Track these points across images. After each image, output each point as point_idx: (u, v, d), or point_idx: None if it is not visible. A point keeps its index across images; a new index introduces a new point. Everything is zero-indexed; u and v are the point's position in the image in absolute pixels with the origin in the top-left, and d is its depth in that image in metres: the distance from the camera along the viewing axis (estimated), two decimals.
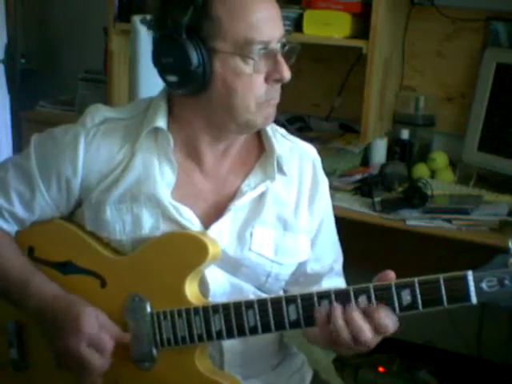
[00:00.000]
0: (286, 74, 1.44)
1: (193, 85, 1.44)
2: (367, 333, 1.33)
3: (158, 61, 1.46)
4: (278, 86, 1.47)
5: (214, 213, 1.52)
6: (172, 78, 1.45)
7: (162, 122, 1.50)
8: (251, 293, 1.54)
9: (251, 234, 1.53)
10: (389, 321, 1.33)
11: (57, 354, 1.46)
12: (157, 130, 1.50)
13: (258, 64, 1.41)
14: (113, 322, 1.47)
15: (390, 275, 1.35)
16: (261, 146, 1.58)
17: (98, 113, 1.54)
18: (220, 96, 1.44)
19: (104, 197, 1.50)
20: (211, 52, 1.41)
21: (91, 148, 1.51)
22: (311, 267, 1.64)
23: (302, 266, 1.63)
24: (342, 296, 1.35)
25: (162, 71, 1.46)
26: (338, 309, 1.34)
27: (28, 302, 1.50)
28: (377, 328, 1.34)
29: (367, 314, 1.34)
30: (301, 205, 1.59)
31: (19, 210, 1.54)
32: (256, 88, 1.43)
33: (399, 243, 2.76)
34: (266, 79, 1.44)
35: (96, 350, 1.43)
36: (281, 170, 1.55)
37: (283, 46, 1.46)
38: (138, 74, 2.67)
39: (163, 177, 1.50)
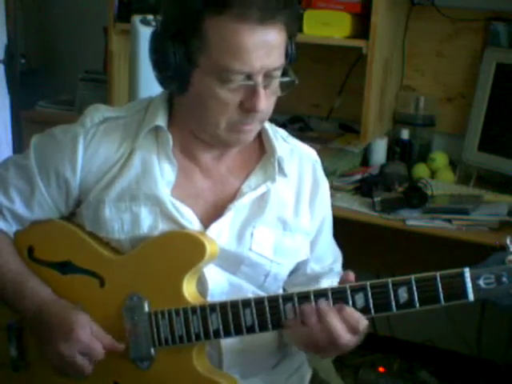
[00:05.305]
0: (259, 106, 1.39)
1: (171, 87, 1.45)
2: (340, 330, 1.34)
3: (149, 54, 1.45)
4: (254, 114, 1.42)
5: (213, 212, 1.52)
6: (156, 74, 1.45)
7: (161, 121, 1.50)
8: (250, 292, 1.54)
9: (252, 234, 1.53)
10: (358, 315, 1.34)
11: (50, 358, 1.47)
12: (157, 128, 1.51)
13: (233, 91, 1.38)
14: (111, 321, 1.47)
15: (350, 277, 1.38)
16: (262, 148, 1.58)
17: (98, 113, 1.54)
18: (193, 106, 1.44)
19: (102, 195, 1.50)
20: (193, 63, 1.39)
21: (90, 148, 1.51)
22: (311, 268, 1.65)
23: (301, 266, 1.64)
24: (338, 294, 1.35)
25: (152, 65, 1.45)
26: (309, 309, 1.36)
27: (22, 305, 1.50)
28: (351, 326, 1.34)
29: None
30: (301, 206, 1.59)
31: (19, 207, 1.55)
32: (227, 112, 1.41)
33: (399, 243, 2.76)
34: (240, 106, 1.40)
35: (88, 358, 1.44)
36: (281, 171, 1.55)
37: (270, 76, 1.40)
38: (138, 74, 2.67)
39: (163, 175, 1.50)
